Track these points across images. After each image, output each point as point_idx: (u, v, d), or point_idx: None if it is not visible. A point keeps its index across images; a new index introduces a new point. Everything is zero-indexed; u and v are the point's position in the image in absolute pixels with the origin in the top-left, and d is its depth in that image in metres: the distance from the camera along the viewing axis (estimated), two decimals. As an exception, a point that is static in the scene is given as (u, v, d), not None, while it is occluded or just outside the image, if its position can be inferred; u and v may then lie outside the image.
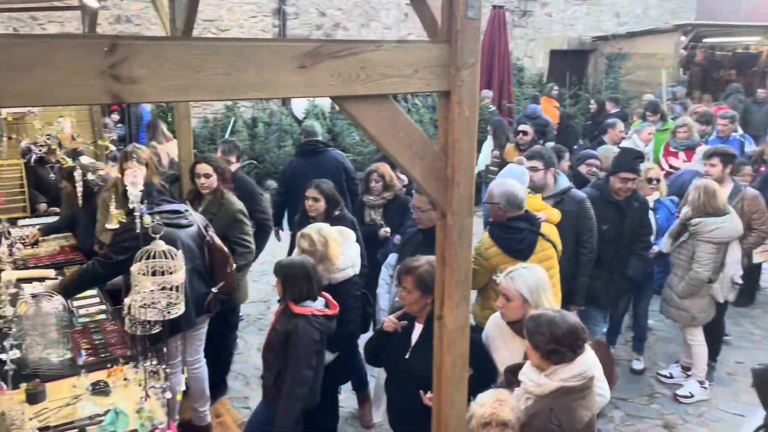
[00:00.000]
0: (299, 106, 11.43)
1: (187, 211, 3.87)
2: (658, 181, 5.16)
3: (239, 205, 4.44)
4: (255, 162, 10.29)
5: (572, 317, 2.47)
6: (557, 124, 9.94)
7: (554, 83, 12.72)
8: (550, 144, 6.67)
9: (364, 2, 12.34)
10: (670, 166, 7.00)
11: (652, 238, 4.95)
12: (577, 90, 13.45)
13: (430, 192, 2.23)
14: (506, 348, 2.91)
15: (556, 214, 4.11)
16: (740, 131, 7.69)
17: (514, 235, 3.65)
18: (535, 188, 4.39)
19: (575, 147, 8.17)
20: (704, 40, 15.02)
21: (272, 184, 10.05)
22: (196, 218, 3.92)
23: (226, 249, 3.96)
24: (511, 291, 2.81)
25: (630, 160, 4.62)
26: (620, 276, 4.75)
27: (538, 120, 8.89)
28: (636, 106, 11.72)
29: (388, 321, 3.23)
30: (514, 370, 2.60)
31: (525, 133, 7.14)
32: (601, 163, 5.51)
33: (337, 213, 4.42)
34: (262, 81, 1.77)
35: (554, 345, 2.36)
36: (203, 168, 4.42)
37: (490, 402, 2.26)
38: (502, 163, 7.05)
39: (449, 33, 2.07)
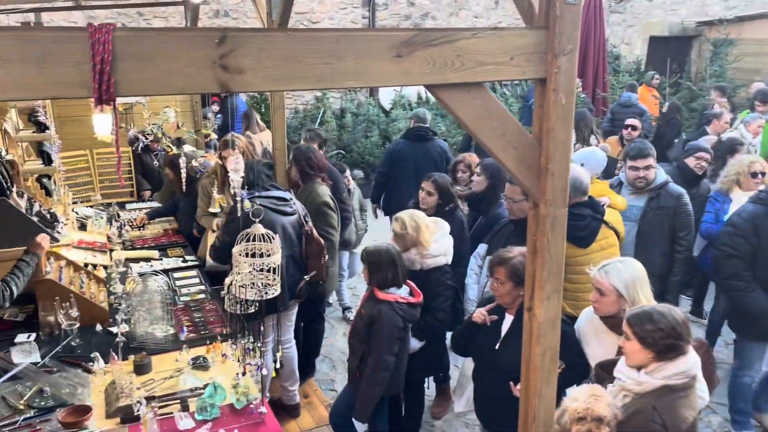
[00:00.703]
0: (386, 96, 11.51)
1: (291, 199, 4.03)
2: (764, 174, 4.80)
3: (325, 197, 4.52)
4: (343, 152, 10.48)
5: (675, 309, 2.37)
6: (659, 114, 9.44)
7: (654, 71, 12.08)
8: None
9: (454, -9, 12.23)
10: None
11: None
12: (678, 78, 12.73)
13: (523, 181, 2.20)
14: (598, 343, 2.83)
15: (620, 201, 3.95)
16: None
17: (577, 221, 3.51)
18: (645, 187, 4.22)
19: (676, 141, 7.74)
20: (824, 23, 13.79)
21: (359, 173, 10.21)
22: (298, 207, 4.07)
23: (322, 240, 4.08)
24: (605, 285, 2.72)
25: None
26: None
27: (633, 108, 8.50)
28: (744, 95, 10.94)
29: (478, 313, 3.22)
30: (606, 366, 2.52)
31: (634, 128, 6.67)
32: (710, 156, 5.20)
33: (447, 209, 4.34)
34: (359, 70, 1.81)
35: (673, 339, 2.27)
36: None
37: (584, 397, 2.20)
38: None
39: (547, 19, 2.02)
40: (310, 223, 4.09)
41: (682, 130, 8.85)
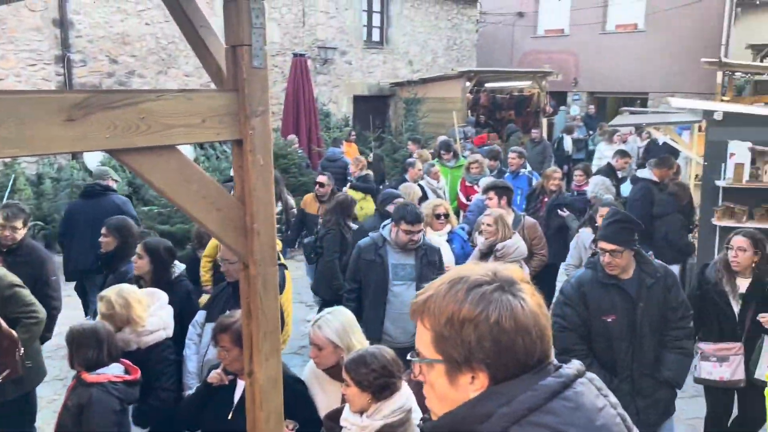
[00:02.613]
0: (93, 158, 10.55)
1: None
2: (447, 216, 5.46)
3: (9, 277, 3.86)
4: (42, 223, 9.23)
5: (385, 349, 2.53)
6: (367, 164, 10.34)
7: (355, 127, 13.34)
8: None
9: (160, 49, 11.89)
10: (467, 199, 7.60)
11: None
12: (381, 133, 14.19)
13: (230, 243, 2.16)
14: (323, 392, 2.88)
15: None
16: (529, 167, 8.30)
17: None
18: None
19: (381, 186, 8.52)
20: (486, 85, 16.77)
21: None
22: None
23: (14, 333, 3.46)
24: (321, 339, 2.80)
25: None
26: (651, 384, 3.44)
27: (338, 162, 9.20)
28: (434, 146, 12.64)
29: (214, 374, 3.04)
30: (333, 416, 2.57)
31: (321, 185, 6.81)
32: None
33: (172, 278, 4.01)
34: (22, 136, 1.60)
35: (385, 378, 2.39)
36: None
37: None
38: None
39: (236, 82, 2.04)
40: None
41: (386, 177, 9.83)
